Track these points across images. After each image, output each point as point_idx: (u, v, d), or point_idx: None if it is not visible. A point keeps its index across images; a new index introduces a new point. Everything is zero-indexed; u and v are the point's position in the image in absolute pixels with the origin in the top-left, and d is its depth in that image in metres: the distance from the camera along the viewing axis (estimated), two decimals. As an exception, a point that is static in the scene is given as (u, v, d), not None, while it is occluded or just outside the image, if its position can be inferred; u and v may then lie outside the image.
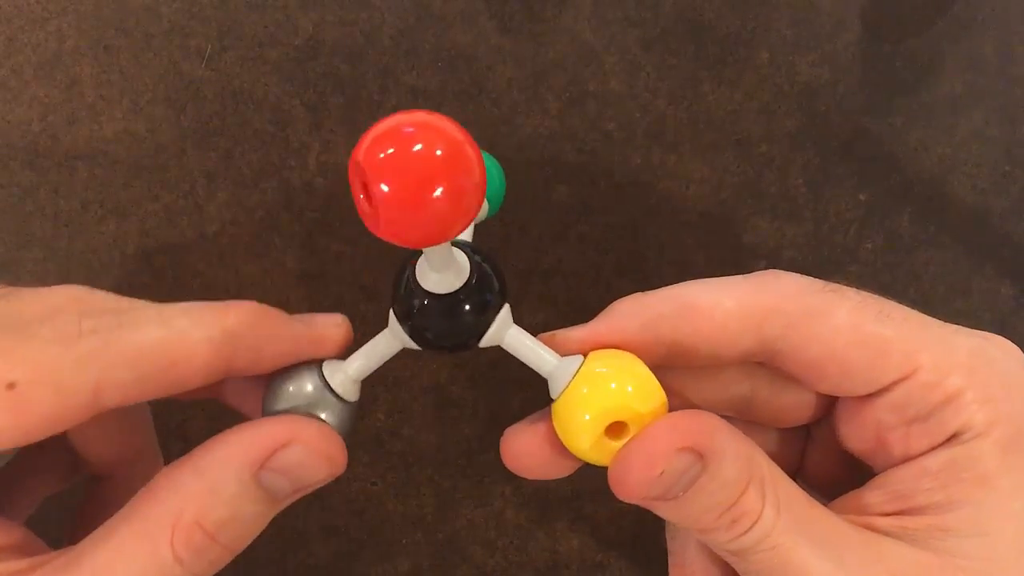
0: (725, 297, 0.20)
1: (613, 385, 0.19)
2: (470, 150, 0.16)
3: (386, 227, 0.16)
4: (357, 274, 0.30)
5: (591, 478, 0.30)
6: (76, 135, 0.30)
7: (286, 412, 0.20)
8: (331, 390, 0.20)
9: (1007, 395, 0.19)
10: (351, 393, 0.20)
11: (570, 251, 0.31)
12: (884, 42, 0.31)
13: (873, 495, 0.21)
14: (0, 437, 0.18)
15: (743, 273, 0.26)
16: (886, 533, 0.20)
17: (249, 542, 0.19)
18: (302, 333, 0.20)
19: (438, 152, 0.15)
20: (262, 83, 0.30)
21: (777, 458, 0.23)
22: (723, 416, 0.22)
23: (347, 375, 0.20)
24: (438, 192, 0.15)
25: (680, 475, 0.19)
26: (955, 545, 0.19)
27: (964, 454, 0.19)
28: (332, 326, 0.21)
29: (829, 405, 0.23)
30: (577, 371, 0.19)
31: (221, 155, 0.30)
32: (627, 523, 0.31)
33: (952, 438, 0.20)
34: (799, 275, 0.21)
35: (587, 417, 0.19)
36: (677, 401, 0.22)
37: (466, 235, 0.23)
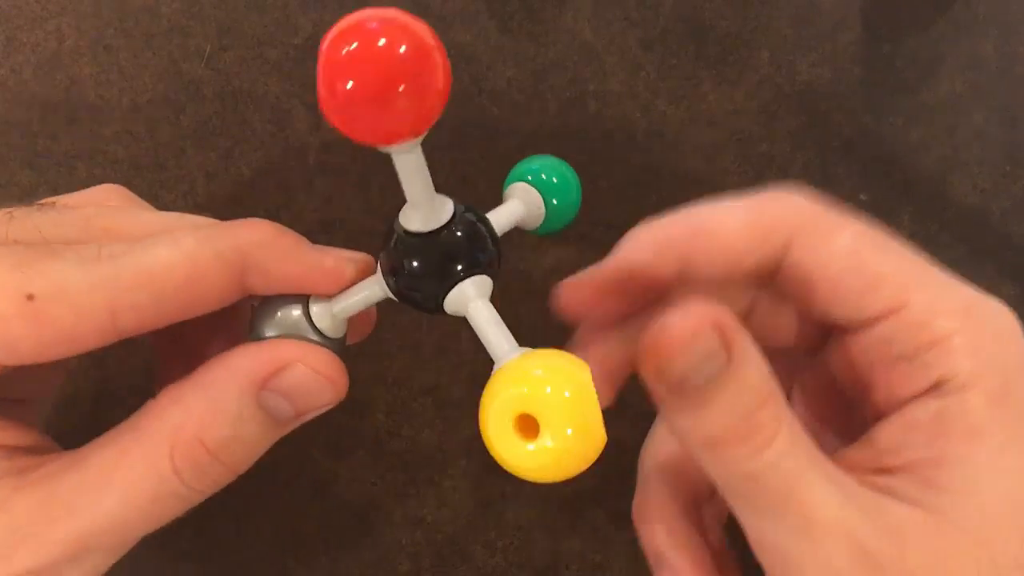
0: (732, 217, 0.20)
1: (531, 375, 0.17)
2: (435, 50, 0.16)
3: (347, 123, 0.16)
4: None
5: (591, 478, 0.30)
6: (76, 135, 0.30)
7: (277, 332, 0.20)
8: (312, 323, 0.20)
9: (998, 346, 0.19)
10: (333, 329, 0.21)
11: (570, 251, 0.31)
12: (884, 42, 0.31)
13: (863, 451, 0.20)
14: (18, 347, 0.18)
15: None
16: (879, 489, 0.19)
17: (250, 464, 0.20)
18: (316, 261, 0.20)
19: (402, 49, 0.15)
20: (262, 83, 0.30)
21: None
22: None
23: (330, 311, 0.21)
24: (400, 89, 0.15)
25: (706, 357, 0.17)
26: (947, 503, 0.19)
27: (953, 406, 0.19)
28: (347, 261, 0.21)
29: (823, 333, 0.22)
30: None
31: (221, 155, 0.30)
32: (627, 523, 0.31)
33: (937, 385, 0.19)
34: (810, 194, 0.21)
35: (495, 404, 0.17)
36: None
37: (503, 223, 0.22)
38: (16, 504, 0.19)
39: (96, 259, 0.19)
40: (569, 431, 0.16)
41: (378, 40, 0.15)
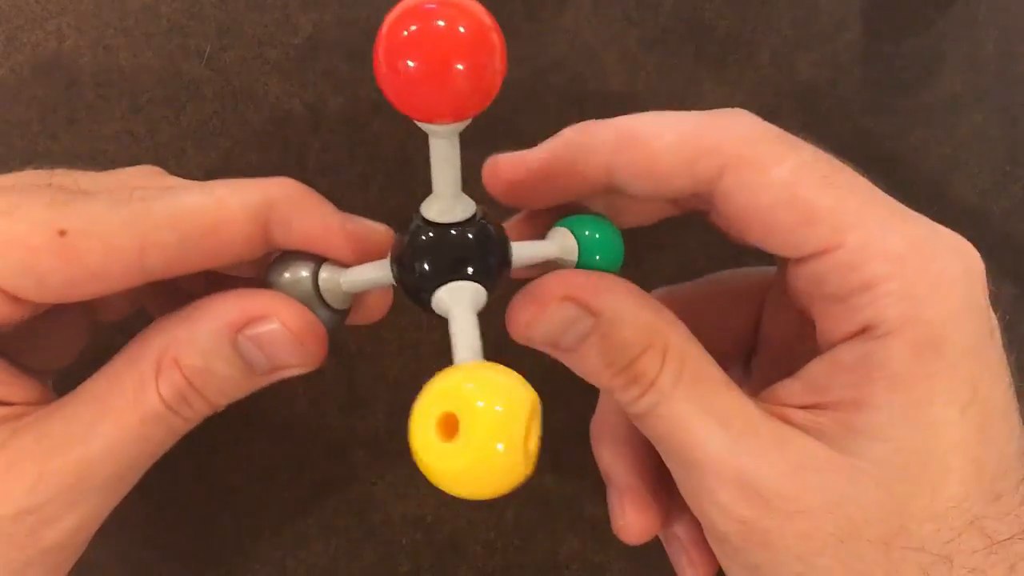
0: (668, 130, 0.20)
1: (456, 376, 0.17)
2: (492, 31, 0.16)
3: (407, 100, 0.16)
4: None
5: (591, 478, 0.30)
6: (76, 135, 0.30)
7: (285, 287, 0.21)
8: (317, 287, 0.21)
9: (933, 294, 0.18)
10: (336, 300, 0.21)
11: (570, 251, 0.31)
12: (884, 42, 0.31)
13: (793, 386, 0.20)
14: (48, 281, 0.19)
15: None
16: (799, 426, 0.19)
17: (226, 402, 0.20)
18: (337, 222, 0.21)
19: (461, 29, 0.16)
20: (262, 83, 0.30)
21: (724, 325, 0.23)
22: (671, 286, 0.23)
23: (338, 281, 0.21)
24: (459, 67, 0.16)
25: (566, 324, 0.19)
26: (861, 447, 0.19)
27: (877, 352, 0.18)
28: (369, 229, 0.21)
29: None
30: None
31: (221, 155, 0.30)
32: (627, 523, 0.31)
33: (865, 329, 0.19)
34: (760, 120, 0.20)
35: (422, 397, 0.16)
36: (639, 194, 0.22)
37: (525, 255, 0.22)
38: (13, 444, 0.19)
39: (128, 200, 0.19)
40: (487, 438, 0.15)
41: (437, 20, 0.16)
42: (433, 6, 0.16)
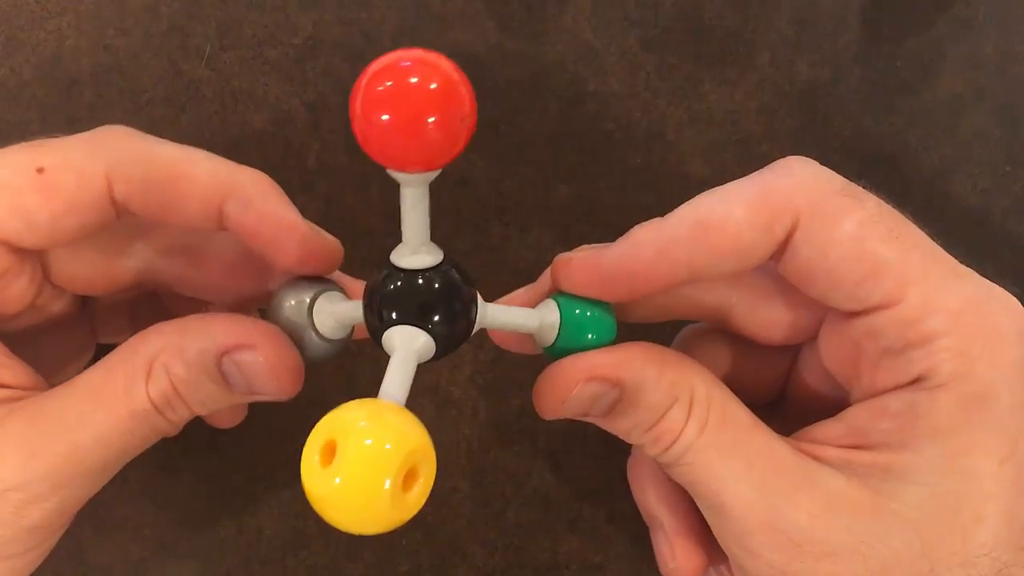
0: (736, 206, 0.20)
1: (353, 409, 0.17)
2: (462, 86, 0.17)
3: (382, 151, 0.18)
4: (357, 274, 0.30)
5: (591, 478, 0.30)
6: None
7: (278, 316, 0.22)
8: (311, 316, 0.21)
9: (986, 353, 0.19)
10: (330, 329, 0.22)
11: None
12: (884, 42, 0.31)
13: (833, 427, 0.21)
14: (36, 219, 0.20)
15: None
16: (832, 465, 0.20)
17: (206, 412, 0.21)
18: (292, 220, 0.21)
19: (432, 86, 0.17)
20: (262, 83, 0.30)
21: (756, 371, 0.23)
22: (700, 323, 0.24)
23: (330, 312, 0.22)
24: (431, 120, 0.17)
25: (593, 400, 0.20)
26: (893, 488, 0.19)
27: (924, 402, 0.19)
28: (323, 239, 0.22)
29: (809, 328, 0.22)
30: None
31: (221, 155, 0.30)
32: (627, 523, 0.31)
33: (917, 380, 0.19)
34: (819, 167, 0.20)
35: (320, 423, 0.17)
36: (648, 310, 0.23)
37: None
38: (7, 423, 0.20)
39: (101, 140, 0.21)
40: (351, 469, 0.16)
41: (410, 77, 0.17)
42: (408, 63, 0.17)
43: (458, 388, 0.30)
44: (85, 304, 0.26)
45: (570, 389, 0.20)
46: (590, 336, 0.21)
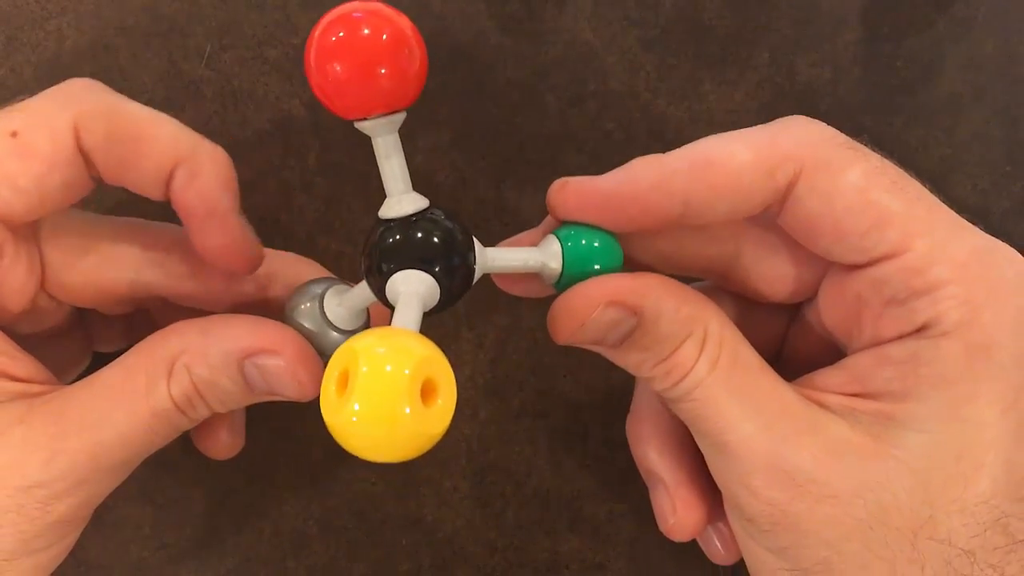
0: (741, 147, 0.20)
1: (362, 338, 0.17)
2: (412, 38, 0.18)
3: (334, 100, 0.19)
4: (357, 274, 0.30)
5: (591, 478, 0.30)
6: (76, 135, 0.30)
7: (293, 322, 0.22)
8: (323, 310, 0.22)
9: (991, 302, 0.19)
10: (345, 320, 0.22)
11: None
12: (884, 42, 0.31)
13: (835, 374, 0.21)
14: (21, 184, 0.20)
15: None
16: (835, 412, 0.20)
17: (225, 411, 0.22)
18: (223, 206, 0.22)
19: (384, 36, 0.18)
20: (262, 83, 0.30)
21: (754, 331, 0.23)
22: (702, 280, 0.24)
23: (340, 303, 0.22)
24: (383, 71, 0.18)
25: (610, 327, 0.20)
26: (895, 435, 0.19)
27: (928, 349, 0.19)
28: (242, 236, 0.22)
29: (810, 285, 0.22)
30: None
31: (221, 155, 0.30)
32: (627, 523, 0.31)
33: (921, 329, 0.19)
34: (824, 124, 0.20)
35: (337, 352, 0.17)
36: (652, 257, 0.23)
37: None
38: (30, 419, 0.20)
39: (68, 92, 0.21)
40: (361, 393, 0.15)
41: (363, 29, 0.18)
42: (357, 15, 0.18)
43: (458, 388, 0.30)
44: (82, 315, 0.26)
45: (589, 312, 0.20)
46: (597, 267, 0.21)
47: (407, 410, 0.15)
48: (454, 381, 0.17)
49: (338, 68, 0.18)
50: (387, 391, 0.15)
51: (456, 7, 0.30)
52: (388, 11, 0.18)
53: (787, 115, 0.27)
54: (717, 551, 0.25)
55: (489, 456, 0.31)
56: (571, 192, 0.21)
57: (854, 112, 0.31)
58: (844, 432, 0.19)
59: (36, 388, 0.21)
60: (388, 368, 0.15)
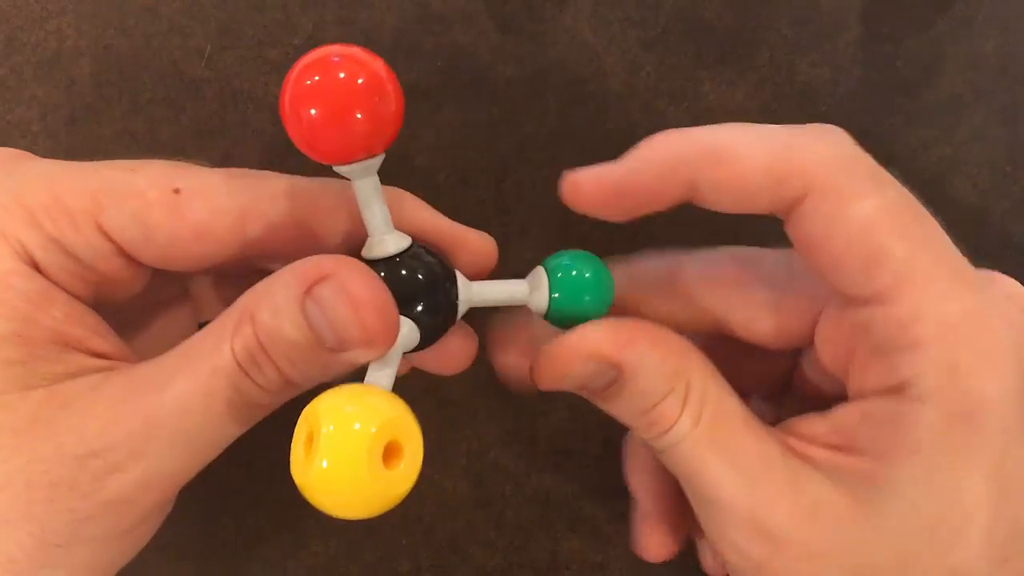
0: (756, 149, 0.20)
1: (326, 398, 0.17)
2: (388, 82, 0.18)
3: (311, 146, 0.18)
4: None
5: (591, 478, 0.30)
6: (76, 135, 0.30)
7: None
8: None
9: (978, 367, 0.18)
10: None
11: (570, 251, 0.31)
12: (884, 42, 0.31)
13: (821, 424, 0.21)
14: (156, 236, 0.20)
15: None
16: (819, 466, 0.20)
17: (298, 377, 0.19)
18: (430, 219, 0.22)
19: (359, 81, 0.17)
20: (262, 83, 0.30)
21: (759, 368, 0.23)
22: (697, 334, 0.23)
23: None
24: (359, 116, 0.17)
25: (592, 377, 0.20)
26: (875, 497, 0.19)
27: (907, 414, 0.18)
28: (476, 237, 0.23)
29: (806, 335, 0.22)
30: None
31: (221, 155, 0.30)
32: (627, 523, 0.31)
33: (900, 388, 0.19)
34: (850, 142, 0.20)
35: (308, 407, 0.17)
36: (647, 314, 0.23)
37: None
38: (102, 387, 0.19)
39: (243, 175, 0.22)
40: (322, 455, 0.16)
41: (339, 73, 0.17)
42: (337, 59, 0.18)
43: (458, 388, 0.30)
44: (187, 290, 0.26)
45: (570, 367, 0.20)
46: (587, 298, 0.21)
47: (367, 471, 0.16)
48: (421, 441, 0.17)
49: (314, 113, 0.17)
50: (347, 454, 0.16)
51: (456, 7, 0.30)
52: (362, 54, 0.18)
53: (787, 115, 0.27)
54: (710, 567, 0.25)
55: (489, 456, 0.30)
56: (583, 185, 0.21)
57: (854, 112, 0.31)
58: (825, 491, 0.19)
59: (119, 365, 0.20)
60: (348, 432, 0.16)
